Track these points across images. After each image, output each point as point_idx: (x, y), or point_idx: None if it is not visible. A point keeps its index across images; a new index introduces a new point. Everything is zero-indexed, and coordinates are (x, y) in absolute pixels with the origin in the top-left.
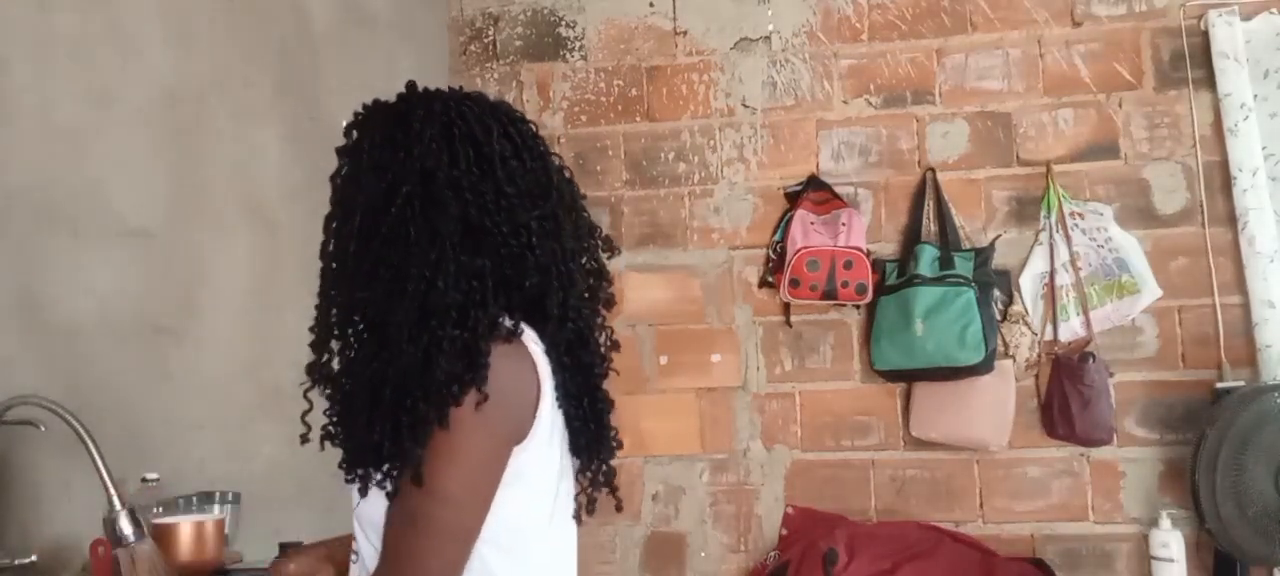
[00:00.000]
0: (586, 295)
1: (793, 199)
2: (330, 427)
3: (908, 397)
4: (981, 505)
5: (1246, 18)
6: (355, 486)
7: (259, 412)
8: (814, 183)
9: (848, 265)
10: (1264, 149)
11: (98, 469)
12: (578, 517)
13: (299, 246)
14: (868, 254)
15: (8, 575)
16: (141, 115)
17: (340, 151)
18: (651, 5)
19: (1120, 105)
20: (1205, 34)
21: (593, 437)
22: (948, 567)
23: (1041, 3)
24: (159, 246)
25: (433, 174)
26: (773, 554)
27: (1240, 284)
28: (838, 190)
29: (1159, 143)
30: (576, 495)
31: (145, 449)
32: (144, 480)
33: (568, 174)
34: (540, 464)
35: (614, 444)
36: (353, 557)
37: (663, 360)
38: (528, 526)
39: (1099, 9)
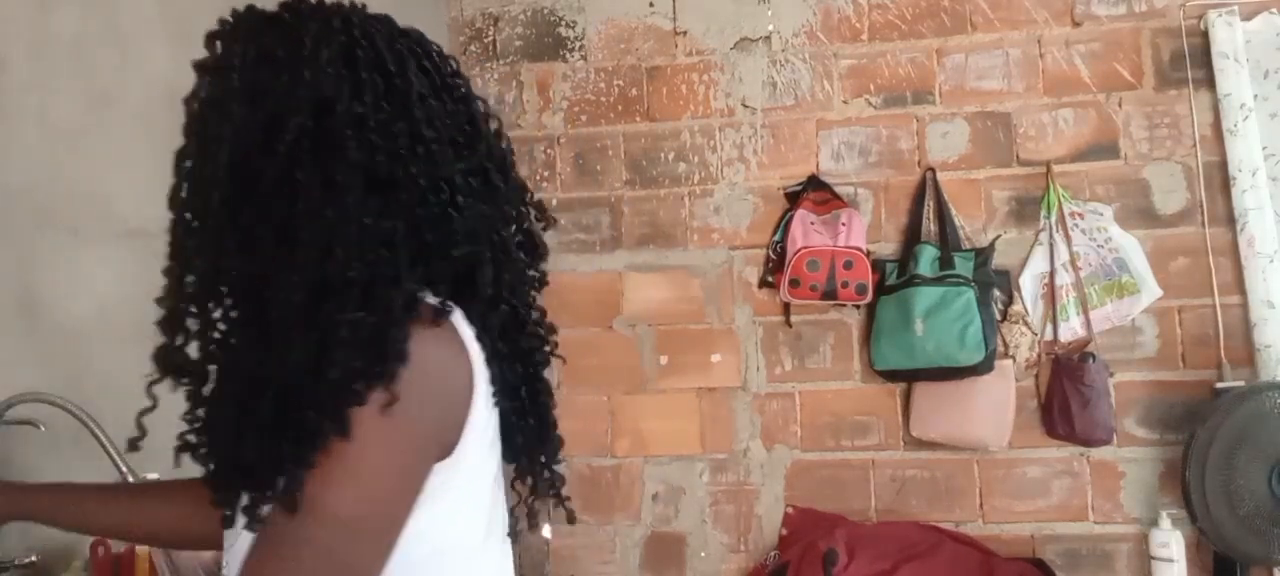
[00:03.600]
0: (525, 274)
1: (793, 199)
2: (191, 437)
3: (908, 397)
4: (981, 505)
5: (1246, 18)
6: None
7: None
8: (814, 183)
9: (848, 265)
10: (1264, 149)
11: (107, 450)
12: (514, 534)
13: None
14: (868, 254)
15: (8, 574)
16: (141, 115)
17: (200, 67)
18: (651, 5)
19: (1120, 105)
20: (1205, 34)
21: (533, 436)
22: (948, 567)
23: (1041, 3)
24: (159, 246)
25: (330, 106)
26: (773, 554)
27: (1240, 284)
28: (838, 190)
29: (1159, 143)
30: (514, 507)
31: (146, 449)
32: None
33: (496, 124)
34: (474, 474)
35: (556, 443)
36: None
37: (663, 360)
38: (457, 549)
39: (1099, 9)
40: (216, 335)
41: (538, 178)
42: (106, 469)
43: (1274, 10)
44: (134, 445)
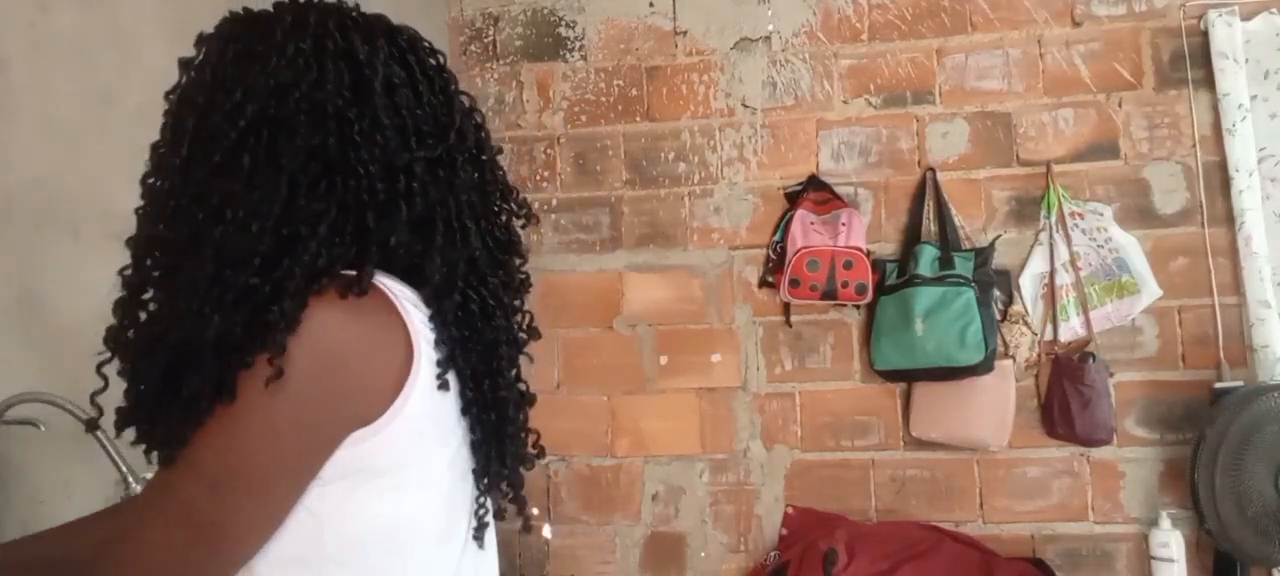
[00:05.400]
0: (494, 268)
1: (793, 199)
2: (129, 409)
3: (908, 397)
4: (981, 505)
5: (1246, 18)
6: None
7: None
8: (814, 183)
9: (848, 265)
10: (1262, 149)
11: (107, 450)
12: (479, 537)
13: None
14: (868, 254)
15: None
16: (141, 115)
17: (183, 64)
18: (651, 5)
19: (1120, 105)
20: (1205, 34)
21: (493, 435)
22: (948, 567)
23: (1041, 3)
24: None
25: (287, 91)
26: (773, 554)
27: (1240, 284)
28: (838, 190)
29: (1159, 143)
30: (477, 509)
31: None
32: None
33: (479, 119)
34: (421, 457)
35: (526, 450)
36: None
37: (663, 360)
38: (410, 543)
39: (1099, 9)
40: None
41: (538, 178)
42: (106, 467)
43: (1274, 10)
44: (92, 426)
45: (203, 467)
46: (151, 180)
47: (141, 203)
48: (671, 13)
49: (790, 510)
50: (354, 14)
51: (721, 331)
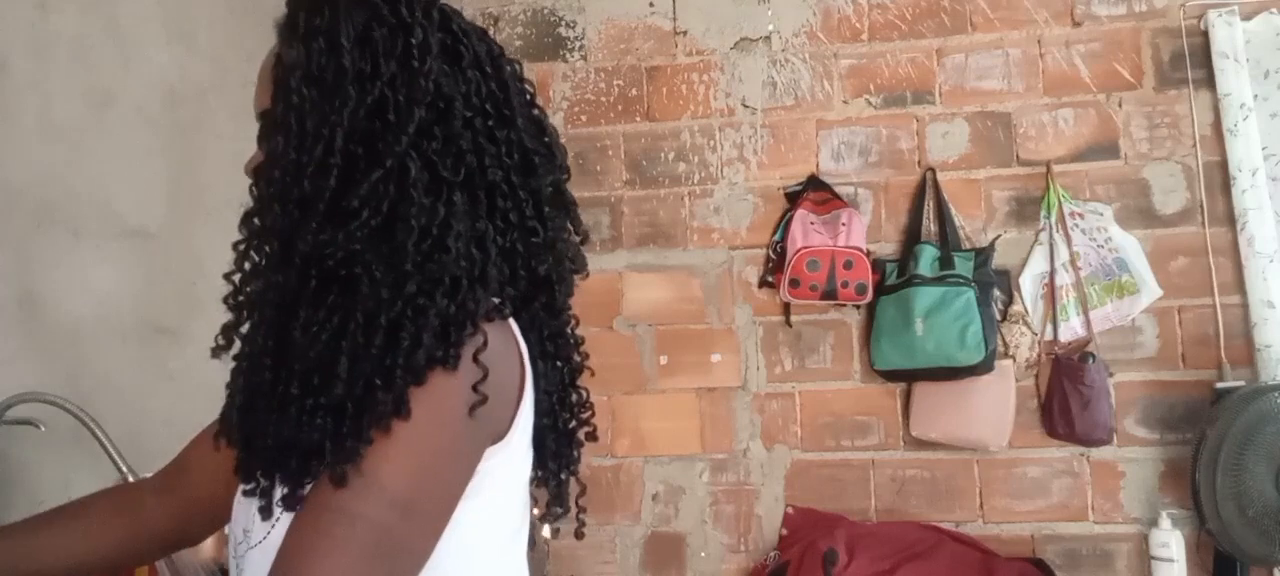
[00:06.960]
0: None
1: (793, 199)
2: (235, 415)
3: (908, 397)
4: (981, 505)
5: (1246, 18)
6: (256, 503)
7: None
8: (814, 183)
9: (848, 265)
10: (1264, 149)
11: (106, 449)
12: (533, 541)
13: None
14: (868, 254)
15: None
16: (141, 115)
17: (291, 32)
18: (651, 5)
19: (1120, 105)
20: (1205, 34)
21: (563, 442)
22: (948, 567)
23: (1041, 3)
24: (159, 246)
25: (451, 104)
26: (773, 554)
27: (1240, 284)
28: (838, 190)
29: (1159, 143)
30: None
31: (145, 449)
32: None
33: (553, 132)
34: (513, 468)
35: (577, 453)
36: None
37: (663, 360)
38: (488, 546)
39: (1099, 9)
40: (290, 312)
41: None
42: (106, 467)
43: (1274, 10)
44: (228, 438)
45: (393, 491)
46: (280, 174)
47: (268, 194)
48: (671, 13)
49: (790, 510)
50: (460, 15)
51: (721, 331)
